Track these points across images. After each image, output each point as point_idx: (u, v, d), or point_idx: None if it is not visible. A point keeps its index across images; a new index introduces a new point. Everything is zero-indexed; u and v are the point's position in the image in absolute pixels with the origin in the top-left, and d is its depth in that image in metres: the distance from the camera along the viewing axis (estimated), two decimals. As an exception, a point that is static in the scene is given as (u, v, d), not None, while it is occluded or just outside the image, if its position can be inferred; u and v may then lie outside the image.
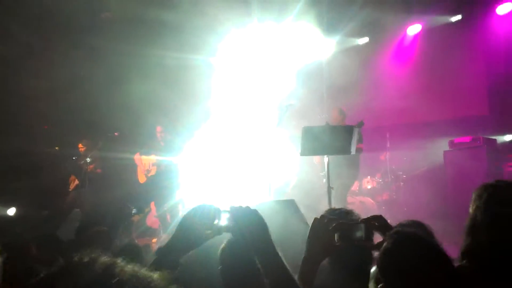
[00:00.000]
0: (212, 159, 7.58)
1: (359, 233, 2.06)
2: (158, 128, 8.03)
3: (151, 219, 7.71)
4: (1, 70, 7.33)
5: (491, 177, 7.27)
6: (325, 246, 2.06)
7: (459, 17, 9.26)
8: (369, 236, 2.12)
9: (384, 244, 1.91)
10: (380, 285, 1.88)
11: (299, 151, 6.07)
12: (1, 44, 7.21)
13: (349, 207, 3.06)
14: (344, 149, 5.76)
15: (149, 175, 7.93)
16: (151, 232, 7.60)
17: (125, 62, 8.17)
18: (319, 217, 2.13)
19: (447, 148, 7.93)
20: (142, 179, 7.97)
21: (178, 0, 7.92)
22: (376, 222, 2.22)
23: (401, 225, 2.40)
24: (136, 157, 8.05)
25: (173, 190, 7.62)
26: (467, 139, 7.77)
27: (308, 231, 2.16)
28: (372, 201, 8.32)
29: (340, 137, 5.73)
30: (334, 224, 2.06)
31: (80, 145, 8.02)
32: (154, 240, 6.02)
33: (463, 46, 9.11)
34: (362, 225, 2.06)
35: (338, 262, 2.20)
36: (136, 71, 8.50)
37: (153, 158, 7.92)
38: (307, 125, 6.22)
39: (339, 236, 2.04)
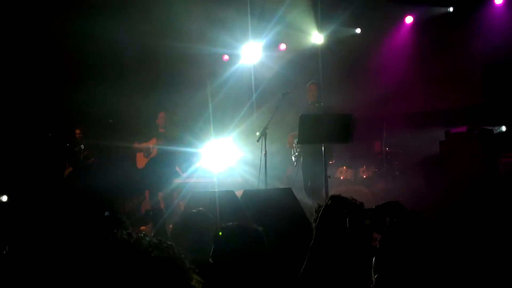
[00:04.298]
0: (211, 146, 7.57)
1: (368, 220, 2.03)
2: (161, 114, 7.98)
3: (146, 207, 7.65)
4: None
5: (487, 168, 7.29)
6: (335, 232, 2.02)
7: (453, 7, 9.23)
8: (382, 223, 2.05)
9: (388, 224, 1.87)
10: (376, 275, 1.82)
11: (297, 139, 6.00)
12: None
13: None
14: (342, 137, 5.74)
15: (146, 162, 7.86)
16: (144, 220, 7.52)
17: (123, 50, 8.09)
18: (328, 204, 2.10)
19: (443, 138, 7.89)
20: (141, 164, 7.91)
21: None
22: (392, 209, 2.12)
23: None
24: (135, 145, 7.98)
25: (169, 178, 7.56)
26: (463, 129, 7.72)
27: (306, 218, 2.13)
28: (367, 190, 8.27)
29: (338, 125, 5.69)
30: (344, 211, 2.03)
31: (76, 132, 7.91)
32: (143, 228, 5.96)
33: (459, 36, 9.08)
34: (374, 212, 2.02)
35: (345, 250, 2.16)
36: (134, 61, 8.43)
37: (150, 145, 7.86)
38: (304, 114, 6.18)
39: (349, 221, 2.01)
